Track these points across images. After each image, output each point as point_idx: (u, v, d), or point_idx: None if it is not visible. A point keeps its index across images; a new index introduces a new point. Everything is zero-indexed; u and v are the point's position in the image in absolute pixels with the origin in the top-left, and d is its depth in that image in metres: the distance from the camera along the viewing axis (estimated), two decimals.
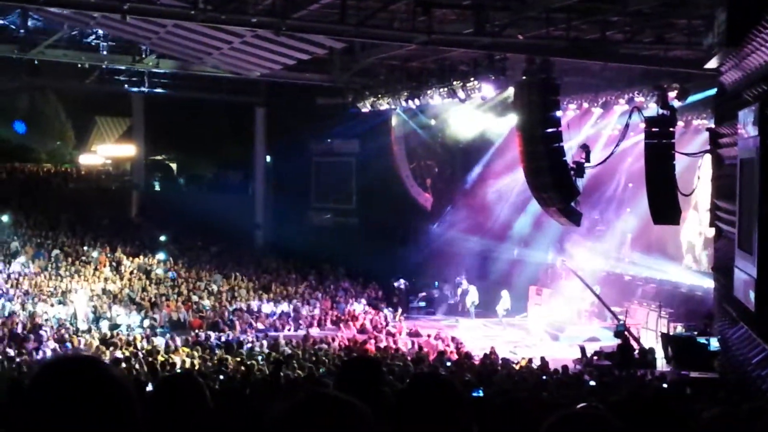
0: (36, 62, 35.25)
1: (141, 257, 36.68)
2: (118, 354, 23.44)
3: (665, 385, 19.10)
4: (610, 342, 27.39)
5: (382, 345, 28.47)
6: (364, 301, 35.61)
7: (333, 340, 28.53)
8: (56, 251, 35.74)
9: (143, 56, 34.33)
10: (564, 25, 22.12)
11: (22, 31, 31.95)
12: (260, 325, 31.59)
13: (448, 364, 23.67)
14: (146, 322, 30.40)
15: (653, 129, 23.06)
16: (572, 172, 24.15)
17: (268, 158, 44.24)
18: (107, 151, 54.93)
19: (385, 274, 37.26)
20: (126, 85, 39.02)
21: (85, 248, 36.75)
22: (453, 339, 29.40)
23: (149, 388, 12.20)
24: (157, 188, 49.85)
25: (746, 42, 15.87)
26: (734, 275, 18.06)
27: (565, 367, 22.04)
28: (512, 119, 27.69)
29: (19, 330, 27.64)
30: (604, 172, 29.32)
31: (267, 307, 33.28)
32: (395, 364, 22.16)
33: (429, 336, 29.84)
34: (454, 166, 39.14)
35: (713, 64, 19.21)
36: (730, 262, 18.90)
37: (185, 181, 54.31)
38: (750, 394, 15.71)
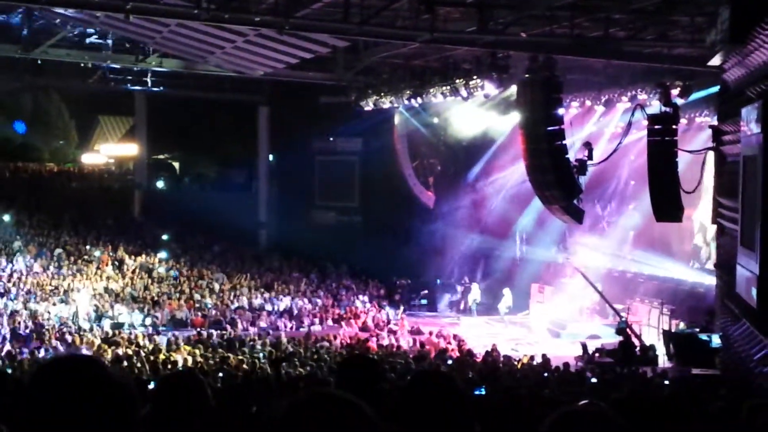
0: (39, 62, 35.28)
1: (143, 256, 36.70)
2: (120, 352, 23.47)
3: (667, 382, 19.09)
4: (611, 339, 27.41)
5: (384, 343, 28.50)
6: (366, 298, 35.63)
7: (335, 338, 28.54)
8: (59, 250, 35.77)
9: (146, 55, 34.36)
10: (567, 23, 22.10)
11: (25, 31, 31.95)
12: (262, 323, 31.61)
13: (450, 362, 23.67)
14: (148, 321, 30.43)
15: (656, 126, 23.05)
16: (575, 170, 24.16)
17: (271, 157, 44.25)
18: (110, 151, 55.01)
19: (388, 272, 37.29)
20: (129, 85, 39.03)
21: (88, 247, 36.78)
22: (455, 336, 29.41)
23: (151, 386, 12.21)
24: (160, 187, 49.86)
25: (749, 39, 15.85)
26: (736, 272, 18.06)
27: (566, 365, 22.04)
28: (515, 117, 27.69)
29: (22, 329, 27.68)
30: (607, 169, 29.31)
31: (269, 306, 33.29)
32: (397, 361, 22.19)
33: (431, 333, 29.86)
34: (457, 164, 39.10)
35: (716, 62, 19.19)
36: (732, 258, 18.90)
37: (188, 180, 54.32)
38: (752, 391, 15.69)
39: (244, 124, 44.69)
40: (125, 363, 21.08)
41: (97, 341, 25.95)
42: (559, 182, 23.94)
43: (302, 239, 38.94)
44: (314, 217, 42.34)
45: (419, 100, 31.33)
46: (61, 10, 27.96)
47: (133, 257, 36.37)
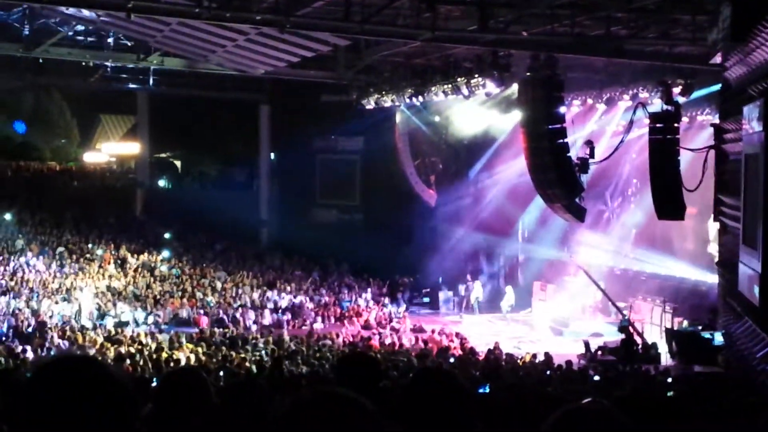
0: (41, 61, 35.29)
1: (145, 254, 36.73)
2: (123, 351, 23.50)
3: (669, 380, 19.11)
4: (613, 337, 27.41)
5: (386, 341, 28.51)
6: (368, 297, 35.64)
7: (337, 336, 28.56)
8: (61, 249, 35.81)
9: (148, 54, 34.37)
10: (568, 22, 22.08)
11: (26, 29, 31.95)
12: (264, 322, 31.63)
13: (452, 360, 23.69)
14: (150, 319, 30.46)
15: (658, 125, 23.02)
16: (576, 169, 24.17)
17: (273, 155, 44.25)
18: (112, 149, 55.07)
19: (389, 270, 37.29)
20: (130, 83, 39.04)
21: (90, 246, 36.82)
22: (457, 335, 29.42)
23: (153, 384, 12.22)
24: (162, 186, 49.89)
25: (751, 37, 15.84)
26: (738, 270, 18.06)
27: (569, 362, 22.05)
28: (516, 116, 27.69)
29: (24, 327, 27.72)
30: (609, 167, 29.31)
31: (271, 304, 33.30)
32: (399, 359, 22.21)
33: (433, 332, 29.87)
34: (459, 162, 39.09)
35: (718, 60, 19.19)
36: (734, 257, 18.91)
37: (190, 178, 54.34)
38: (754, 389, 15.70)
39: (246, 122, 44.69)
40: (128, 361, 21.10)
41: (100, 339, 25.98)
42: (561, 180, 23.95)
43: (304, 237, 38.94)
44: (316, 215, 42.34)
45: (420, 98, 31.32)
46: (62, 9, 27.98)
47: (135, 256, 36.40)
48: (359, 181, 42.46)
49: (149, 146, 45.12)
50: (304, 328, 31.36)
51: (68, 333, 27.10)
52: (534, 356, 24.80)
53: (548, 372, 21.06)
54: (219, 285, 34.68)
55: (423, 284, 37.72)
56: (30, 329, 27.61)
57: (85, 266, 34.50)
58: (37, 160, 51.84)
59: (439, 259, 37.51)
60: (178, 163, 56.86)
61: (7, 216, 38.09)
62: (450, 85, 28.71)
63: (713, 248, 27.02)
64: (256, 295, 34.00)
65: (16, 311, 28.96)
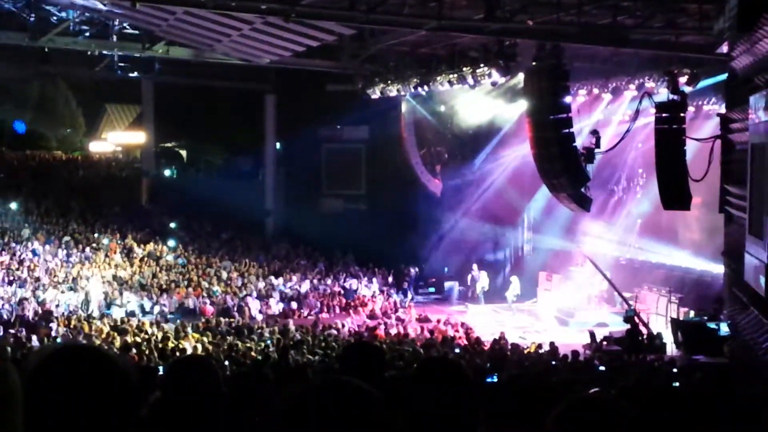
0: (46, 50, 35.25)
1: (151, 244, 36.77)
2: (129, 340, 23.55)
3: (675, 370, 19.12)
4: (619, 327, 27.41)
5: (391, 331, 28.54)
6: (373, 287, 35.67)
7: (343, 325, 28.60)
8: (67, 238, 35.85)
9: (153, 44, 34.31)
10: (574, 11, 22.03)
11: (32, 18, 31.87)
12: (270, 311, 31.68)
13: (457, 350, 23.70)
14: (156, 309, 30.52)
15: (664, 114, 22.99)
16: (582, 158, 24.15)
17: (278, 145, 44.24)
18: (117, 139, 55.10)
19: (395, 260, 37.31)
20: (136, 73, 39.00)
21: (96, 235, 36.85)
22: (462, 324, 29.44)
23: (160, 373, 12.25)
24: (167, 175, 49.91)
25: (758, 27, 15.79)
26: (744, 260, 18.05)
27: (575, 353, 22.06)
28: (522, 105, 27.66)
29: (30, 316, 27.79)
30: (614, 156, 29.29)
31: (276, 294, 33.33)
32: (405, 349, 22.23)
33: (438, 321, 29.89)
34: (464, 152, 39.06)
35: (724, 50, 19.14)
36: (740, 247, 18.89)
37: (195, 167, 54.36)
38: (760, 379, 15.71)
39: (251, 112, 44.65)
40: (133, 351, 21.15)
41: (106, 329, 26.03)
42: (567, 170, 23.94)
43: (309, 227, 38.95)
44: (322, 205, 42.35)
45: (426, 88, 31.29)
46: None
47: (141, 245, 36.45)
48: (365, 171, 42.45)
49: (155, 135, 45.12)
50: (309, 317, 31.40)
51: (74, 323, 27.16)
52: (539, 346, 24.82)
53: (553, 362, 21.08)
54: (225, 274, 34.73)
55: (428, 274, 37.75)
56: (36, 318, 27.68)
57: (91, 255, 34.55)
58: (43, 150, 51.89)
59: (445, 248, 37.54)
60: (183, 153, 56.88)
61: (13, 205, 38.14)
62: (455, 75, 28.66)
63: None
64: (261, 285, 34.04)
65: (23, 300, 29.02)
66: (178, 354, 20.30)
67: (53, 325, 26.66)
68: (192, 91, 43.43)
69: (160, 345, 22.22)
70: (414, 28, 24.80)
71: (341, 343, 23.75)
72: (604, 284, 32.13)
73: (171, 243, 37.35)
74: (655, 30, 24.20)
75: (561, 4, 21.86)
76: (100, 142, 55.94)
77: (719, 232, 25.98)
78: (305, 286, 34.63)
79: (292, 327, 27.42)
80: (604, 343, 26.07)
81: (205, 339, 24.24)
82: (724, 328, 22.66)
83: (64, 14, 31.52)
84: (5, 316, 27.78)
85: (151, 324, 27.44)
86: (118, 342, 23.22)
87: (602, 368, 19.70)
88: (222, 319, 29.04)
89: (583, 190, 24.54)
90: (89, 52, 35.35)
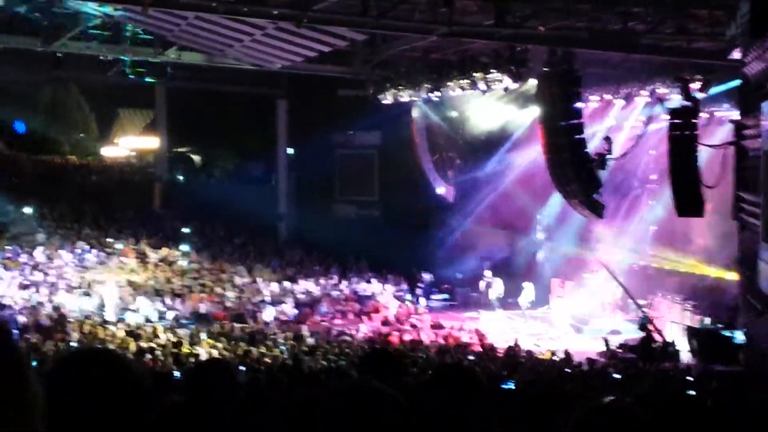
0: (59, 55, 35.36)
1: (165, 249, 36.84)
2: (144, 345, 23.60)
3: (690, 378, 19.08)
4: (633, 334, 27.33)
5: (405, 337, 28.53)
6: (387, 293, 35.63)
7: (357, 331, 28.60)
8: (81, 243, 35.94)
9: (165, 48, 34.40)
10: (586, 16, 22.05)
11: (45, 22, 31.96)
12: (283, 317, 31.68)
13: (471, 357, 23.70)
14: (170, 314, 30.56)
15: (676, 121, 22.96)
16: (594, 164, 24.12)
17: (291, 150, 44.30)
18: (130, 143, 55.17)
19: (408, 266, 37.26)
20: (149, 77, 39.10)
21: (109, 240, 36.94)
22: (476, 331, 29.41)
23: (176, 377, 12.29)
24: (180, 180, 49.97)
25: None
26: (759, 267, 17.99)
27: (589, 360, 22.04)
28: (534, 111, 27.65)
29: (45, 321, 27.86)
30: (627, 160, 29.24)
31: (290, 299, 33.32)
32: (418, 356, 22.24)
33: (452, 328, 29.86)
34: (476, 158, 39.03)
35: (737, 56, 19.11)
36: (754, 254, 18.83)
37: (208, 172, 54.41)
38: None
39: (263, 116, 44.72)
40: (149, 356, 21.20)
41: (121, 334, 26.09)
42: (578, 176, 23.93)
43: (322, 232, 38.94)
44: (335, 210, 42.39)
45: (438, 93, 31.32)
46: (80, 5, 28.08)
47: (154, 250, 36.53)
48: (377, 176, 42.47)
49: (167, 140, 45.23)
50: (323, 323, 31.39)
51: (89, 327, 27.21)
52: (553, 353, 24.79)
53: (567, 369, 21.05)
54: (238, 280, 34.76)
55: (442, 280, 37.71)
56: (50, 323, 27.75)
57: (105, 260, 34.65)
58: (56, 155, 51.99)
59: (458, 254, 37.50)
60: (196, 158, 56.94)
61: (27, 210, 38.27)
62: (467, 80, 28.67)
63: None
64: (275, 290, 34.04)
65: (37, 305, 29.11)
66: (191, 360, 20.37)
67: (68, 330, 26.72)
68: (204, 96, 43.51)
69: (174, 350, 22.28)
70: (425, 34, 24.85)
71: (355, 349, 23.77)
72: (618, 291, 32.04)
73: (184, 248, 37.41)
74: (666, 36, 24.16)
75: (572, 9, 21.90)
76: (113, 147, 56.02)
77: (731, 239, 25.87)
78: (319, 292, 34.62)
79: (305, 333, 27.44)
80: (619, 350, 26.01)
81: (219, 345, 24.28)
82: (739, 336, 22.58)
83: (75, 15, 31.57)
84: (21, 321, 27.87)
85: (166, 329, 27.49)
86: (132, 347, 23.28)
87: (617, 376, 19.67)
88: (235, 324, 29.07)
89: (595, 196, 24.50)
90: (101, 57, 35.47)
